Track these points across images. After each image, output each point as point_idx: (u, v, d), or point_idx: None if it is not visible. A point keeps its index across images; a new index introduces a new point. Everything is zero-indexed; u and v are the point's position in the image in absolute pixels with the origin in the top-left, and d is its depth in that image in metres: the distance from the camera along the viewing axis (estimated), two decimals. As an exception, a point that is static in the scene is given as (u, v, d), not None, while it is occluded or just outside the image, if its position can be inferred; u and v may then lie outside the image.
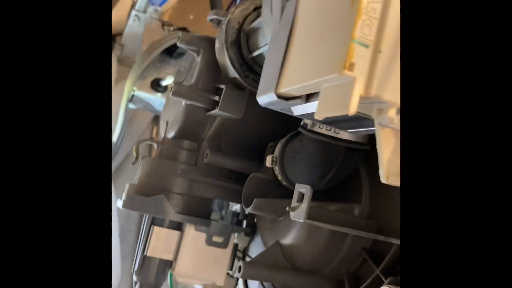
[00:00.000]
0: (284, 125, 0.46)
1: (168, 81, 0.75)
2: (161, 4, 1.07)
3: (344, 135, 0.40)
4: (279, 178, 0.45)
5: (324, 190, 0.45)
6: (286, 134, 0.45)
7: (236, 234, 0.57)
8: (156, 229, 0.50)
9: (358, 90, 0.25)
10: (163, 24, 0.80)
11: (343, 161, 0.41)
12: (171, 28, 0.78)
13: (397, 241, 0.37)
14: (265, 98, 0.34)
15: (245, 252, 0.61)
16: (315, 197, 0.41)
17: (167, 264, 0.51)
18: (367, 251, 0.42)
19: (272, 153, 0.46)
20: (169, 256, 0.50)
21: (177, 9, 1.17)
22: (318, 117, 0.29)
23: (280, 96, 0.33)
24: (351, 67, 0.25)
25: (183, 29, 0.78)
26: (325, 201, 0.44)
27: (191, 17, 1.22)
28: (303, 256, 0.44)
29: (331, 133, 0.40)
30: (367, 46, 0.26)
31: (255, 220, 0.54)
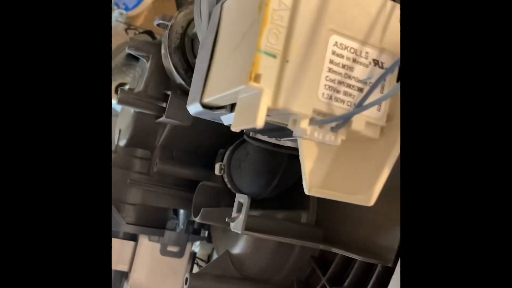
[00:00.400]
0: (234, 132, 0.45)
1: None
2: (134, 7, 1.06)
3: (286, 142, 0.39)
4: (228, 186, 0.44)
5: (275, 197, 0.44)
6: (235, 141, 0.44)
7: (198, 243, 0.56)
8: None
9: (265, 103, 0.24)
10: (128, 28, 0.78)
11: (287, 168, 0.40)
12: (136, 32, 0.77)
13: (338, 250, 0.36)
14: (193, 108, 0.33)
15: (209, 259, 0.60)
16: (264, 205, 0.40)
17: (123, 275, 0.50)
18: (316, 258, 0.41)
19: (221, 160, 0.45)
20: (124, 267, 0.49)
21: (152, 10, 1.15)
22: (234, 129, 0.27)
23: (205, 106, 0.32)
24: (257, 78, 0.24)
25: (149, 32, 0.76)
26: (275, 208, 0.43)
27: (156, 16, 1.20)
28: (252, 265, 0.43)
29: (272, 140, 0.39)
30: (274, 56, 0.25)
31: (210, 228, 0.53)
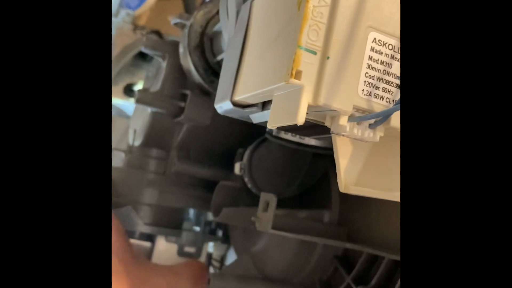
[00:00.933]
0: (253, 131, 0.45)
1: (140, 86, 0.74)
2: (137, 7, 1.06)
3: (311, 141, 0.39)
4: (249, 186, 0.44)
5: (296, 196, 0.44)
6: (255, 140, 0.44)
7: (211, 243, 0.56)
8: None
9: (305, 99, 0.24)
10: (135, 28, 0.78)
11: (310, 167, 0.40)
12: (144, 32, 0.77)
13: (364, 248, 0.36)
14: (222, 106, 0.33)
15: (222, 260, 0.59)
16: (285, 204, 0.40)
17: (139, 277, 0.50)
18: (339, 258, 0.41)
19: (241, 160, 0.44)
20: (140, 269, 0.49)
21: (155, 10, 1.15)
22: (271, 126, 0.27)
23: (236, 104, 0.31)
24: (297, 75, 0.24)
25: (156, 32, 0.76)
26: (296, 207, 0.43)
27: (170, 18, 1.20)
28: (274, 266, 0.43)
29: (296, 139, 0.39)
30: (314, 53, 0.24)
31: (228, 229, 0.53)
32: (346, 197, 0.42)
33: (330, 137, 0.38)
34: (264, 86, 0.27)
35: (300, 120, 0.24)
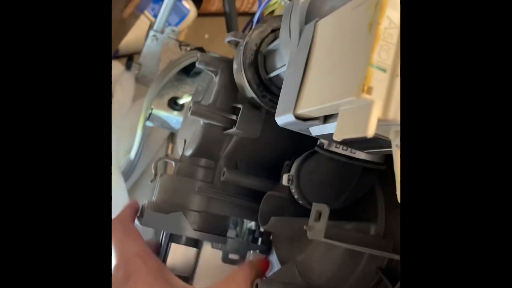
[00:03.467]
0: (299, 144, 0.47)
1: (184, 99, 0.77)
2: (177, 24, 1.10)
3: (361, 154, 0.41)
4: (296, 196, 0.45)
5: (339, 209, 0.45)
6: (302, 153, 0.46)
7: (250, 252, 0.58)
8: (173, 246, 0.51)
9: (376, 113, 0.26)
10: (180, 44, 0.82)
11: (359, 181, 0.41)
12: (188, 48, 0.80)
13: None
14: (284, 119, 0.35)
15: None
16: (331, 216, 0.41)
17: (184, 281, 0.52)
18: (383, 270, 0.42)
19: (288, 171, 0.46)
20: (186, 273, 0.51)
21: (192, 28, 1.20)
22: (337, 138, 0.29)
23: (298, 117, 0.34)
24: (369, 90, 0.26)
25: (200, 49, 0.80)
26: (340, 220, 0.45)
27: (206, 36, 1.25)
28: (319, 275, 0.44)
29: (347, 153, 0.40)
30: (384, 71, 0.27)
31: (271, 238, 0.54)
32: (391, 211, 0.43)
33: (380, 152, 0.40)
34: (330, 100, 0.29)
35: (370, 132, 0.26)
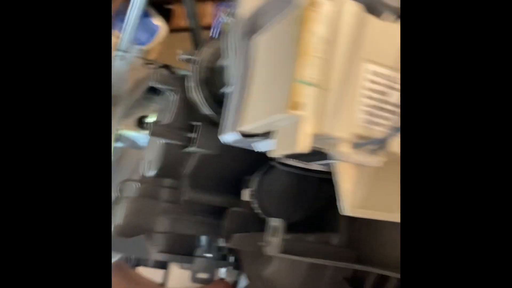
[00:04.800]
0: (259, 159, 0.46)
1: (152, 118, 0.76)
2: (148, 41, 1.10)
3: (316, 166, 0.40)
4: (257, 211, 0.45)
5: (304, 221, 0.45)
6: (262, 167, 0.46)
7: (224, 269, 0.57)
8: (140, 269, 0.50)
9: (305, 128, 0.26)
10: (146, 62, 0.81)
11: (317, 192, 0.41)
12: (154, 66, 0.80)
13: (373, 269, 0.37)
14: (227, 137, 0.35)
15: (235, 286, 0.60)
16: (294, 228, 0.41)
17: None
18: (349, 280, 0.42)
19: (248, 186, 0.46)
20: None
21: (165, 44, 1.19)
22: (277, 155, 0.29)
23: (241, 134, 0.33)
24: (295, 106, 0.26)
25: (166, 66, 0.79)
26: (304, 231, 0.44)
27: (179, 51, 1.25)
28: (285, 290, 0.44)
29: (302, 165, 0.40)
30: (315, 85, 0.26)
31: (239, 254, 0.54)
32: (354, 220, 0.43)
33: (330, 163, 0.40)
34: (267, 116, 0.29)
35: (300, 148, 0.26)
